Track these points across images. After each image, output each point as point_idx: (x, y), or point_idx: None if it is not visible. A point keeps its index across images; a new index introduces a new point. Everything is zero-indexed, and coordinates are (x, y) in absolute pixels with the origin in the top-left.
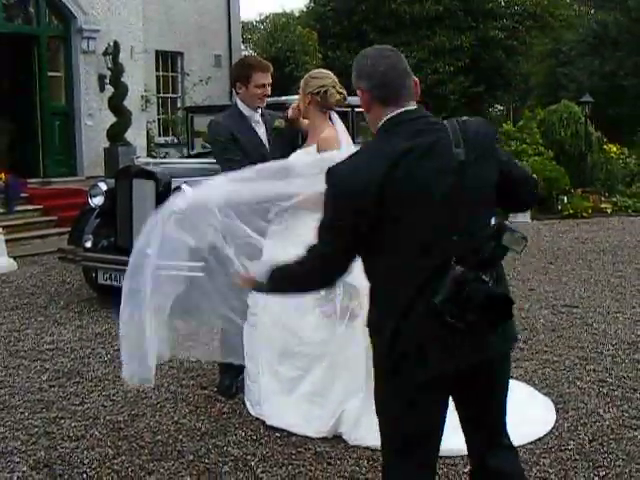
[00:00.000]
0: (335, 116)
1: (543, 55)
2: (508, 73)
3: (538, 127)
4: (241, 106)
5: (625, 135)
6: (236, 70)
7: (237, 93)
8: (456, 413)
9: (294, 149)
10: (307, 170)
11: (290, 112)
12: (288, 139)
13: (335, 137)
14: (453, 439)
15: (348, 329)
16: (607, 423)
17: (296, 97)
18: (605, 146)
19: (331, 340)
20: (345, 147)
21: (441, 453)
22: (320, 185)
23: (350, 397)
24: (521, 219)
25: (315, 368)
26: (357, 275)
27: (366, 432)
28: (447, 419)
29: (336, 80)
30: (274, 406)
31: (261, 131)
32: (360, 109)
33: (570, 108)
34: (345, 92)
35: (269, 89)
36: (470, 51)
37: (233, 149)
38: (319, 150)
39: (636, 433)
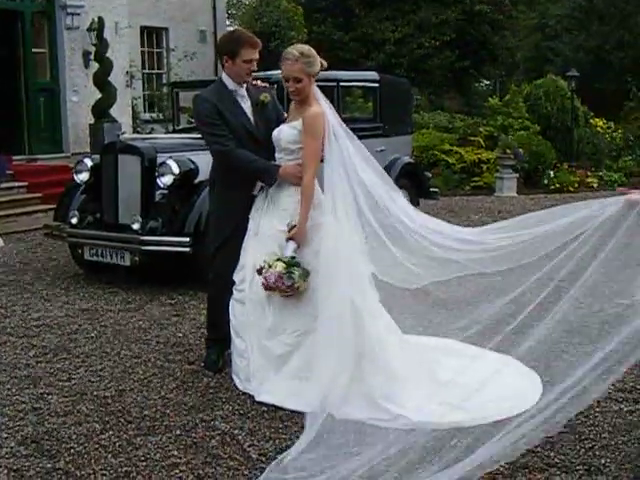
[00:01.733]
0: (319, 91)
1: (529, 29)
2: (494, 47)
3: (524, 101)
4: (226, 80)
5: (611, 109)
6: (224, 43)
7: (223, 66)
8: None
9: (278, 123)
10: (291, 145)
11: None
12: (273, 113)
13: (322, 113)
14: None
15: (335, 304)
16: (593, 396)
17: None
18: (591, 120)
19: (319, 317)
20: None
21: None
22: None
23: (339, 373)
24: (507, 193)
25: (303, 344)
26: (312, 260)
27: (353, 408)
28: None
29: None
30: (263, 382)
31: (246, 105)
32: (346, 83)
33: (556, 82)
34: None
35: (255, 65)
36: (456, 25)
37: (218, 124)
38: (304, 125)
39: (622, 406)
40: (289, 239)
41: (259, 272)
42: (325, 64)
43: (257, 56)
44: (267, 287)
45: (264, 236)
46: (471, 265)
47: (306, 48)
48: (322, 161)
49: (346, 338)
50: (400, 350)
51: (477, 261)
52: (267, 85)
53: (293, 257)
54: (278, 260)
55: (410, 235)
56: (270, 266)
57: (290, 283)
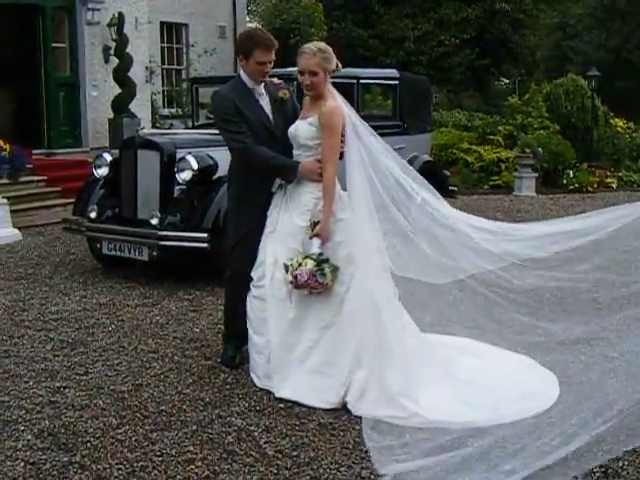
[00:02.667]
0: (334, 89)
1: (550, 28)
2: (514, 46)
3: (544, 101)
4: (244, 77)
5: (631, 109)
6: (240, 42)
7: (240, 65)
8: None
9: (295, 119)
10: (309, 141)
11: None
12: (291, 110)
13: (339, 107)
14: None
15: (355, 299)
16: (611, 398)
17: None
18: (611, 120)
19: (340, 311)
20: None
21: (446, 426)
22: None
23: (358, 368)
24: (526, 192)
25: (324, 339)
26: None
27: (370, 404)
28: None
29: None
30: (284, 378)
31: (264, 102)
32: (365, 81)
33: (576, 82)
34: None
35: (270, 67)
36: (476, 23)
37: (237, 122)
38: (322, 121)
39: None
40: (313, 236)
41: (286, 270)
42: (340, 66)
43: (272, 57)
44: (297, 285)
45: (283, 232)
46: (505, 256)
47: (322, 45)
48: (341, 158)
49: (366, 334)
50: (418, 348)
51: (511, 253)
52: (282, 82)
53: (320, 254)
54: (307, 258)
55: (443, 228)
56: (300, 264)
57: (322, 280)
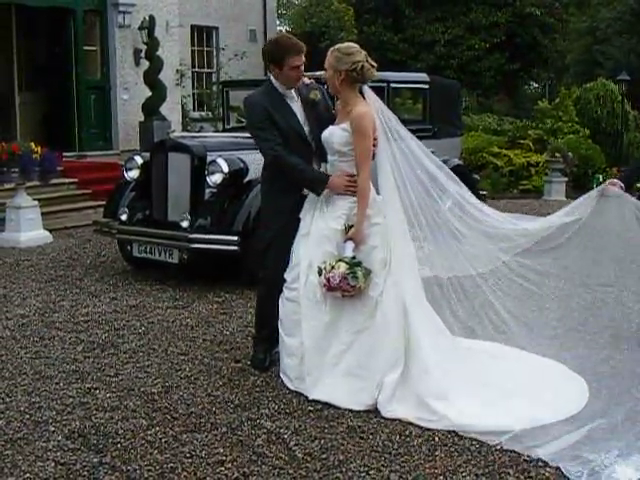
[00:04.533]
0: (369, 91)
1: (580, 32)
2: (544, 50)
3: (574, 105)
4: (275, 83)
5: None
6: (269, 52)
7: (271, 73)
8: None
9: (329, 121)
10: (343, 147)
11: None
12: (325, 111)
13: (369, 112)
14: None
15: (389, 303)
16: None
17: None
18: None
19: (373, 315)
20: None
21: (474, 429)
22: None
23: (390, 370)
24: (555, 197)
25: (357, 342)
26: (374, 261)
27: (401, 405)
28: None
29: (365, 53)
30: (317, 380)
31: (296, 106)
32: (396, 85)
33: (607, 86)
34: (376, 65)
35: (303, 70)
36: (506, 28)
37: (268, 129)
38: (353, 126)
39: None
40: (347, 239)
41: (319, 273)
42: (370, 72)
43: (303, 60)
44: (329, 288)
45: (319, 235)
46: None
47: (345, 45)
48: (373, 158)
49: (398, 337)
50: (450, 350)
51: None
52: (312, 81)
53: (353, 257)
54: (340, 261)
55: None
56: (333, 267)
57: (354, 283)
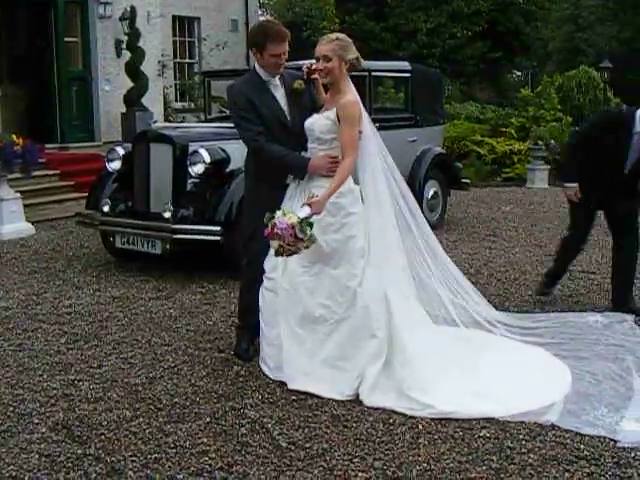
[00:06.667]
0: (351, 84)
1: (562, 20)
2: (526, 38)
3: (556, 93)
4: (259, 70)
5: None
6: (252, 36)
7: (254, 58)
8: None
9: (312, 111)
10: (325, 135)
11: (306, 73)
12: (308, 101)
13: (357, 101)
14: (471, 403)
15: (369, 294)
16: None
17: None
18: None
19: (353, 304)
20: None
21: (458, 416)
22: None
23: (372, 361)
24: (538, 184)
25: (336, 333)
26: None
27: (381, 394)
28: (464, 384)
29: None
30: (296, 370)
31: (279, 95)
32: (378, 73)
33: (589, 74)
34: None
35: (284, 58)
36: (488, 16)
37: (250, 118)
38: (341, 113)
39: None
40: (306, 204)
41: (267, 220)
42: (362, 64)
43: (285, 49)
44: (271, 233)
45: None
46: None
47: (342, 35)
48: None
49: (378, 328)
50: (430, 339)
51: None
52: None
53: (306, 218)
54: (293, 213)
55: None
56: (284, 215)
57: (301, 236)
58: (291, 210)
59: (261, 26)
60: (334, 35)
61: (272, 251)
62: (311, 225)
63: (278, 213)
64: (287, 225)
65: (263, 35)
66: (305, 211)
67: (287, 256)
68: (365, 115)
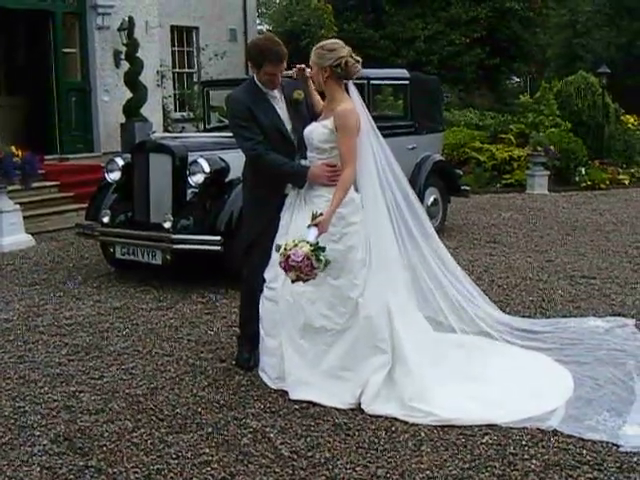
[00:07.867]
0: (352, 87)
1: (560, 26)
2: (525, 44)
3: (555, 98)
4: (258, 81)
5: None
6: (250, 52)
7: (252, 71)
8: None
9: (312, 120)
10: (323, 144)
11: (296, 73)
12: (307, 110)
13: (353, 109)
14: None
15: (372, 305)
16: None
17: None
18: (622, 117)
19: (355, 315)
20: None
21: (460, 423)
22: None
23: (376, 370)
24: (538, 190)
25: (338, 343)
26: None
27: (383, 403)
28: (466, 391)
29: (350, 49)
30: (298, 380)
31: (278, 105)
32: (376, 81)
33: (587, 79)
34: (360, 60)
35: (280, 78)
36: (486, 22)
37: (250, 126)
38: (337, 122)
39: None
40: (312, 225)
41: (277, 249)
42: (356, 68)
43: (283, 68)
44: (287, 266)
45: (296, 235)
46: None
47: (329, 42)
48: None
49: (382, 340)
50: (430, 346)
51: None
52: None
53: (317, 243)
54: (303, 241)
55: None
56: (296, 245)
57: (317, 265)
58: (300, 238)
59: (259, 47)
60: (320, 43)
61: (272, 260)
62: (323, 249)
63: (289, 243)
64: (302, 256)
65: (262, 56)
66: (313, 234)
67: (304, 282)
68: (365, 120)
